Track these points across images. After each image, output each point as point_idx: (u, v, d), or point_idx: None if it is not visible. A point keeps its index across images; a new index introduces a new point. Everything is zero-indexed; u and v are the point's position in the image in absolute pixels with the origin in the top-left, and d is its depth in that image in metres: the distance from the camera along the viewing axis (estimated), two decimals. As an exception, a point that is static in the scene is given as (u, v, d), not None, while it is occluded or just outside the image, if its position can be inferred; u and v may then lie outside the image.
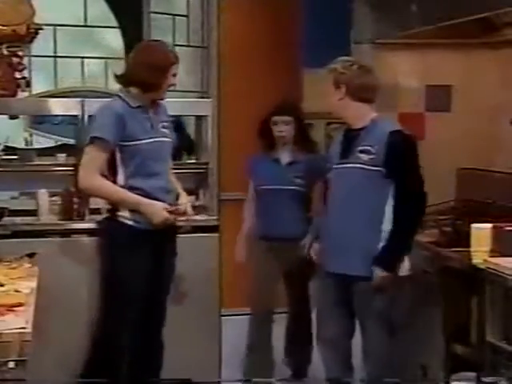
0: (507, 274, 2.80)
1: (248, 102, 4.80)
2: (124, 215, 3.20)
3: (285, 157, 3.85)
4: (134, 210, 3.17)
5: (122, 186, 3.19)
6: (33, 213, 3.86)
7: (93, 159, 3.18)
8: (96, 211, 3.65)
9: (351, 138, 3.16)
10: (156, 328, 3.39)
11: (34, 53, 4.18)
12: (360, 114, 3.15)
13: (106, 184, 3.18)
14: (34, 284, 2.79)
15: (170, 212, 3.20)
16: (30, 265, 3.11)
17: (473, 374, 2.90)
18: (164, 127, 3.34)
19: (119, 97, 3.28)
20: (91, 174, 3.16)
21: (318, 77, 4.20)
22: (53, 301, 3.48)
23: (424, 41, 3.85)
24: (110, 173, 3.22)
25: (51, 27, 4.38)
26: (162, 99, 3.35)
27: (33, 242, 3.59)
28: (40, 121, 4.83)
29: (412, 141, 3.12)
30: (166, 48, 3.40)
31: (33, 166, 4.03)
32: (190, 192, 4.24)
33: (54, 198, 3.87)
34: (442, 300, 3.24)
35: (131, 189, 3.20)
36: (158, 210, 3.17)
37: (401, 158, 3.06)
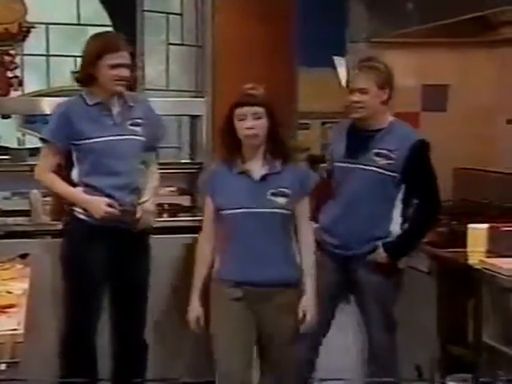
0: (503, 275, 2.79)
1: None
2: (78, 210, 3.24)
3: (257, 168, 2.85)
4: (83, 207, 3.20)
5: (77, 183, 3.23)
6: (25, 213, 3.83)
7: (43, 158, 3.30)
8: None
9: (364, 138, 3.10)
10: (135, 329, 3.36)
11: (26, 51, 4.17)
12: (384, 116, 3.11)
13: (55, 182, 3.27)
14: (26, 285, 2.76)
15: (114, 208, 3.17)
16: (22, 266, 3.08)
17: (469, 376, 2.89)
18: (134, 124, 3.27)
19: (80, 95, 3.24)
20: (41, 172, 3.29)
21: (313, 76, 4.19)
22: (45, 302, 3.45)
23: (420, 40, 3.83)
24: (67, 169, 3.25)
25: (44, 26, 4.36)
26: (118, 95, 3.23)
27: (25, 242, 3.55)
28: (33, 120, 4.80)
29: (430, 149, 3.11)
30: (106, 37, 3.26)
31: (25, 165, 3.99)
32: (184, 192, 4.23)
33: (46, 199, 3.84)
34: (437, 300, 3.22)
35: (86, 186, 3.21)
36: (95, 206, 3.16)
37: (425, 169, 3.07)
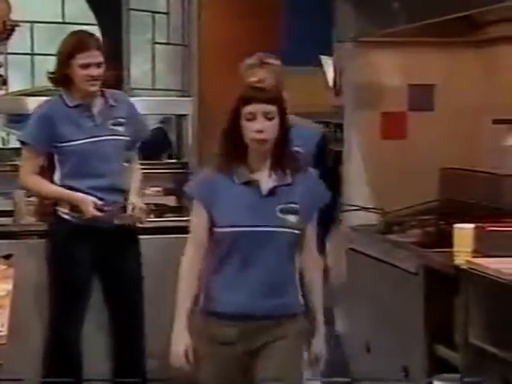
0: (490, 275, 2.78)
1: (229, 101, 4.74)
2: (62, 210, 3.24)
3: (264, 178, 2.40)
4: (73, 206, 3.19)
5: (59, 185, 3.23)
6: (9, 214, 3.80)
7: (24, 161, 3.29)
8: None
9: None
10: (132, 334, 3.35)
11: (10, 50, 4.12)
12: None
13: (40, 183, 3.27)
14: (9, 286, 2.74)
15: (99, 209, 3.16)
16: (5, 266, 3.06)
17: (455, 376, 2.89)
18: (116, 124, 3.25)
19: (60, 95, 3.22)
20: (25, 175, 3.28)
21: (299, 75, 4.17)
22: (29, 303, 3.43)
23: (407, 39, 3.82)
24: (49, 171, 3.25)
25: (28, 24, 4.31)
26: (101, 94, 3.21)
27: (9, 243, 3.53)
28: (17, 120, 4.76)
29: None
30: (77, 36, 3.22)
31: (10, 165, 3.97)
32: (169, 192, 4.21)
33: (30, 199, 3.81)
34: (424, 301, 3.22)
35: (68, 189, 3.21)
36: (84, 206, 3.15)
37: (328, 162, 3.26)
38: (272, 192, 2.37)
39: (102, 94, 3.24)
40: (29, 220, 3.78)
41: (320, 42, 4.21)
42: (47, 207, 3.75)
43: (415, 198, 3.74)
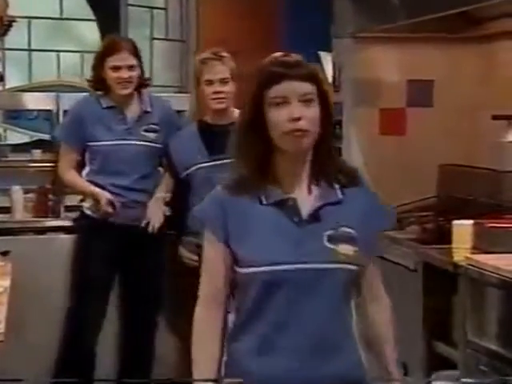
0: (488, 271, 2.77)
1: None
2: (86, 206, 3.32)
3: (303, 196, 1.76)
4: (95, 201, 3.26)
5: (86, 180, 3.31)
6: (6, 210, 3.79)
7: (62, 156, 3.37)
8: (71, 208, 3.61)
9: (220, 134, 3.09)
10: (145, 335, 3.36)
11: (7, 46, 4.12)
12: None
13: (74, 179, 3.34)
14: (7, 283, 2.74)
15: (113, 207, 3.21)
16: (3, 263, 3.06)
17: (454, 373, 2.88)
18: (148, 130, 3.28)
19: (96, 96, 3.27)
20: (62, 170, 3.35)
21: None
22: (27, 300, 3.42)
23: (405, 35, 3.81)
24: (79, 167, 3.32)
25: (26, 20, 4.30)
26: (129, 98, 3.24)
27: (6, 239, 3.53)
28: (14, 116, 4.75)
29: None
30: (109, 38, 3.30)
31: (7, 162, 3.97)
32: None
33: (28, 195, 3.81)
34: (423, 297, 3.21)
35: (95, 184, 3.27)
36: (101, 199, 3.22)
37: None
38: (315, 214, 1.69)
39: (140, 98, 3.27)
40: (26, 216, 3.78)
41: (319, 38, 4.19)
42: (46, 203, 3.76)
43: (414, 195, 3.72)
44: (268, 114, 1.67)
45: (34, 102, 3.95)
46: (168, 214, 3.36)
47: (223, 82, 3.07)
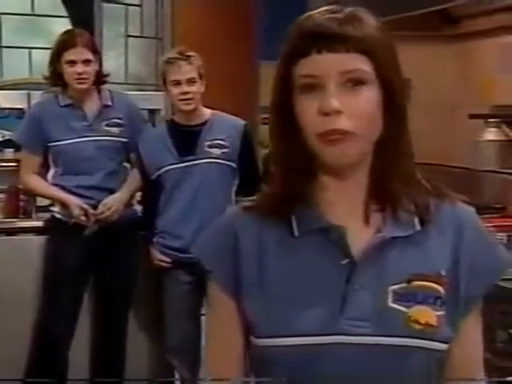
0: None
1: (202, 95, 4.70)
2: (56, 210, 3.26)
3: (357, 226, 1.18)
4: (63, 205, 3.21)
5: (51, 183, 3.25)
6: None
7: (23, 161, 3.31)
8: (43, 209, 3.56)
9: (190, 133, 3.13)
10: (116, 335, 3.32)
11: (-22, 43, 4.03)
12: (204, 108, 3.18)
13: (36, 183, 3.27)
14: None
15: (86, 216, 3.17)
16: (-28, 265, 2.98)
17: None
18: (110, 125, 3.22)
19: (55, 95, 3.22)
20: (25, 176, 3.29)
21: (274, 69, 4.14)
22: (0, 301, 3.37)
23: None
24: (45, 170, 3.25)
25: (-4, 16, 4.23)
26: (87, 94, 3.19)
27: (-23, 241, 3.46)
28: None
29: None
30: (66, 33, 3.24)
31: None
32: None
33: (-1, 195, 3.74)
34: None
35: (61, 187, 3.22)
36: (73, 210, 3.16)
37: (254, 152, 3.21)
38: (375, 254, 1.08)
39: (99, 94, 3.21)
40: (-3, 217, 3.71)
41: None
42: (18, 204, 3.70)
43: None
44: (296, 103, 1.07)
45: (5, 100, 3.89)
46: (139, 214, 3.32)
47: (190, 82, 3.03)
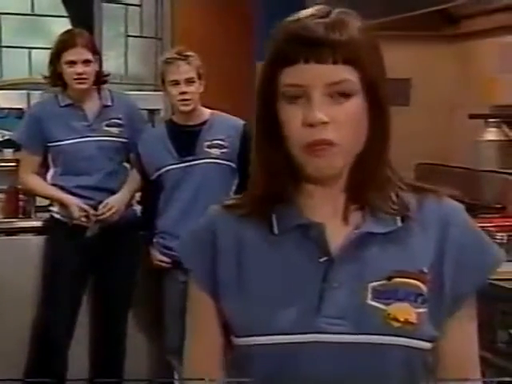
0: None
1: (202, 95, 4.70)
2: (55, 210, 3.27)
3: (337, 223, 1.19)
4: (62, 205, 3.22)
5: (50, 184, 3.26)
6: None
7: (22, 161, 3.32)
8: (42, 209, 3.56)
9: (189, 133, 3.13)
10: (115, 335, 3.33)
11: (-23, 43, 4.03)
12: (203, 108, 3.20)
13: (36, 183, 3.28)
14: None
15: (87, 217, 3.17)
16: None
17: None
18: (110, 125, 3.23)
19: (56, 95, 3.23)
20: (24, 176, 3.30)
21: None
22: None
23: (382, 33, 3.76)
24: (44, 170, 3.27)
25: (-4, 16, 4.22)
26: (87, 94, 3.20)
27: (-24, 241, 3.46)
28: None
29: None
30: (65, 34, 3.25)
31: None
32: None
33: (-2, 196, 3.74)
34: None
35: (60, 187, 3.23)
36: (71, 210, 3.16)
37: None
38: (354, 251, 1.08)
39: (99, 94, 3.22)
40: (-4, 217, 3.71)
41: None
42: (17, 203, 3.70)
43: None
44: (280, 111, 1.05)
45: (5, 100, 3.89)
46: (139, 214, 3.32)
47: (189, 82, 3.03)
